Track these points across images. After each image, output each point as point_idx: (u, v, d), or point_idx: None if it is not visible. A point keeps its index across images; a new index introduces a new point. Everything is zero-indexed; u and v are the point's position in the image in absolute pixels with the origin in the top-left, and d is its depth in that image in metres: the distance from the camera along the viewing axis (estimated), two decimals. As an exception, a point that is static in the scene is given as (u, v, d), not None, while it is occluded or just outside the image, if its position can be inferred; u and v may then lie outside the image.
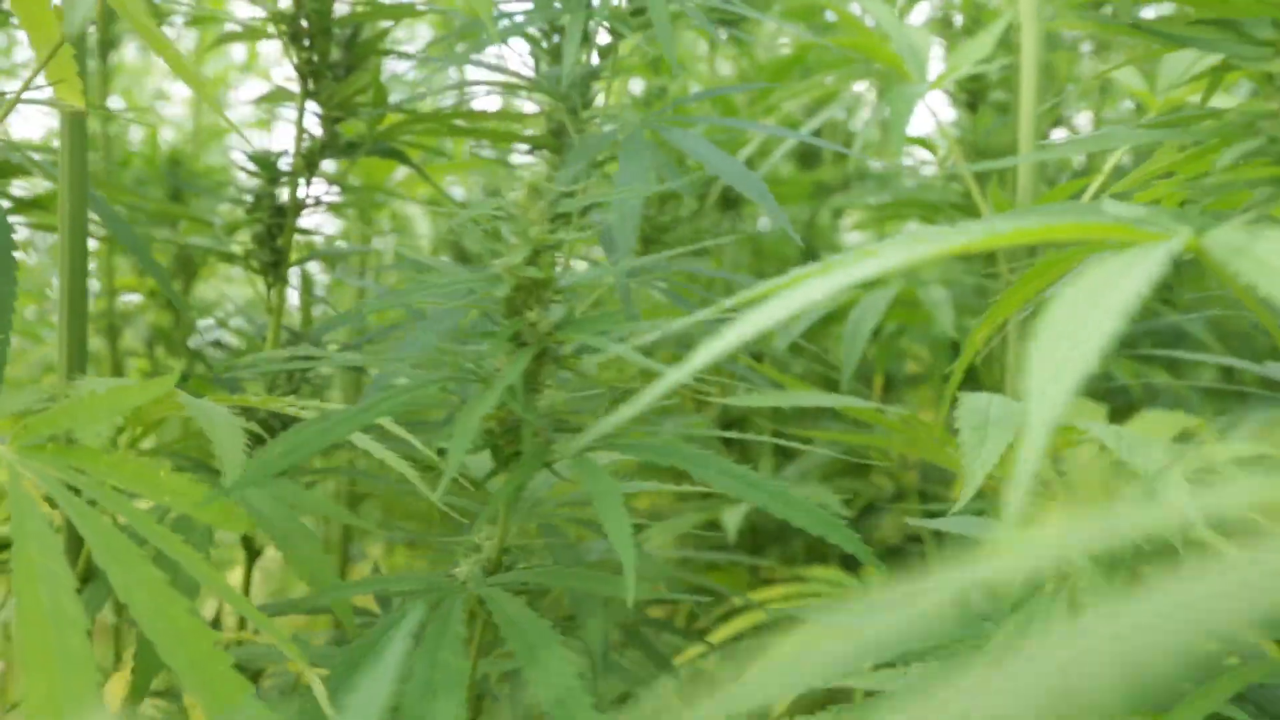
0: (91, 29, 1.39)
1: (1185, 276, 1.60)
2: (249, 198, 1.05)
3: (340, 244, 1.58)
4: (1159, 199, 0.78)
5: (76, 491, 0.57)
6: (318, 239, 1.29)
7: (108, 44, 1.41)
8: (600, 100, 0.94)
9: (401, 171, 1.66)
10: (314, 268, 1.67)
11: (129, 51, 1.90)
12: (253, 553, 1.07)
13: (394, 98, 1.08)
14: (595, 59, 0.94)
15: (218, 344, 1.40)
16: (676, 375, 0.40)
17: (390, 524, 1.57)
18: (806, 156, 1.67)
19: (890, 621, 0.63)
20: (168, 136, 1.86)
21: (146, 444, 1.38)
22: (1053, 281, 0.65)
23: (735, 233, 1.57)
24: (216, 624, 1.23)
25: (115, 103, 1.54)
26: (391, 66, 1.33)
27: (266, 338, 1.06)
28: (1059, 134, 1.65)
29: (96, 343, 1.45)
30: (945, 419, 0.90)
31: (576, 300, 0.66)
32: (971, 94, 1.40)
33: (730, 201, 1.57)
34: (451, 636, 0.63)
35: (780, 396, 0.87)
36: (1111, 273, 0.42)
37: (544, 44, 0.97)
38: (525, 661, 0.61)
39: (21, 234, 1.46)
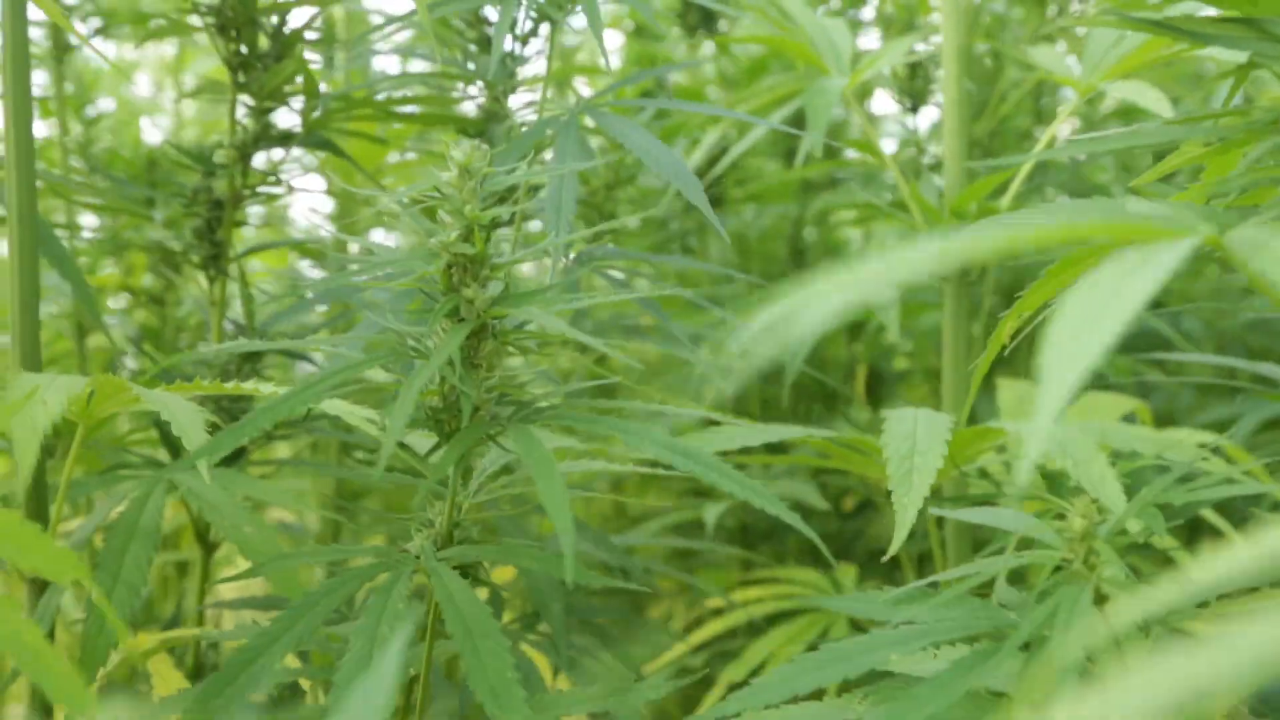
0: (42, 35, 1.40)
1: (1179, 276, 1.59)
2: (185, 192, 1.05)
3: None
4: (1186, 198, 0.78)
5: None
6: (292, 233, 1.29)
7: (61, 49, 1.41)
8: (538, 87, 0.94)
9: (391, 163, 1.65)
10: (307, 264, 1.67)
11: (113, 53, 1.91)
12: (208, 547, 1.07)
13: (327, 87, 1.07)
14: (520, 48, 0.95)
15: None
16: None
17: (389, 516, 1.57)
18: (789, 155, 1.67)
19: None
20: (155, 139, 1.87)
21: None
22: (1076, 278, 0.65)
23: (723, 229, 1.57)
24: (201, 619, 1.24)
25: (103, 105, 1.53)
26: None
27: (211, 331, 1.06)
28: (1063, 131, 1.65)
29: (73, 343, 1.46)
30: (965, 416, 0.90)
31: (508, 277, 0.66)
32: (913, 95, 1.40)
33: (719, 199, 1.57)
34: (391, 612, 0.63)
35: (712, 436, 0.86)
36: (1130, 266, 0.42)
37: (470, 33, 0.98)
38: (462, 645, 0.61)
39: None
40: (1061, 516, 0.68)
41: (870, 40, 1.69)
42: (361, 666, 0.59)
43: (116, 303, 1.60)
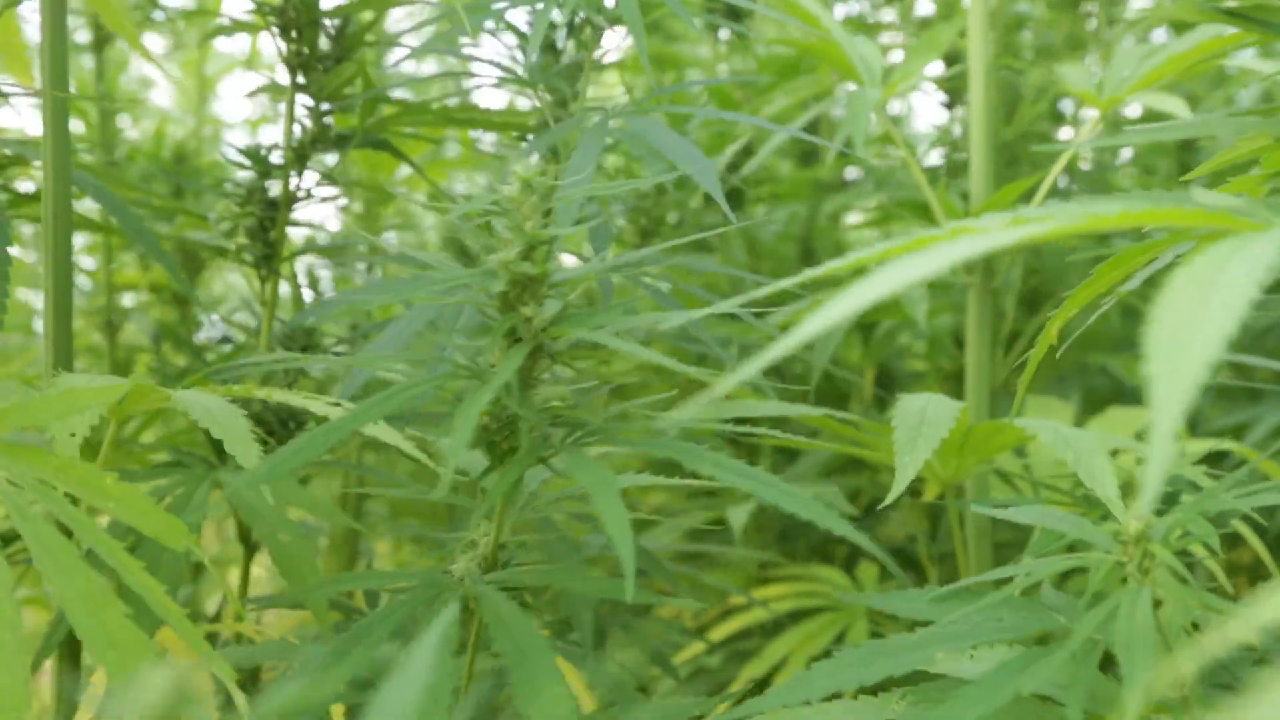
0: (83, 26, 1.39)
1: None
2: (240, 191, 1.04)
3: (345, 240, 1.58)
4: (1242, 191, 0.76)
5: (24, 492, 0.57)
6: (318, 234, 1.29)
7: (102, 40, 1.40)
8: (592, 91, 0.94)
9: (408, 168, 1.65)
10: (319, 264, 1.67)
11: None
12: (250, 547, 1.07)
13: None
14: (578, 52, 0.94)
15: (226, 339, 1.40)
16: (735, 378, 0.39)
17: (396, 521, 1.57)
18: (806, 155, 1.66)
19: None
20: (176, 134, 1.87)
21: (147, 437, 1.39)
22: (1130, 273, 0.64)
23: (736, 229, 1.57)
24: (217, 618, 1.23)
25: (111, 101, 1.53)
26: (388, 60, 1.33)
27: (260, 331, 1.06)
28: (1067, 132, 1.65)
29: (98, 338, 1.46)
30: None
31: (565, 295, 0.66)
32: (949, 93, 1.40)
33: (733, 198, 1.56)
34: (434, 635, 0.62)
35: (727, 408, 0.86)
36: (1220, 261, 0.40)
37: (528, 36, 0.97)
38: (515, 671, 0.60)
39: (23, 230, 1.46)
40: (1105, 518, 0.68)
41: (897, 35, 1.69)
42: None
43: (133, 299, 1.60)
